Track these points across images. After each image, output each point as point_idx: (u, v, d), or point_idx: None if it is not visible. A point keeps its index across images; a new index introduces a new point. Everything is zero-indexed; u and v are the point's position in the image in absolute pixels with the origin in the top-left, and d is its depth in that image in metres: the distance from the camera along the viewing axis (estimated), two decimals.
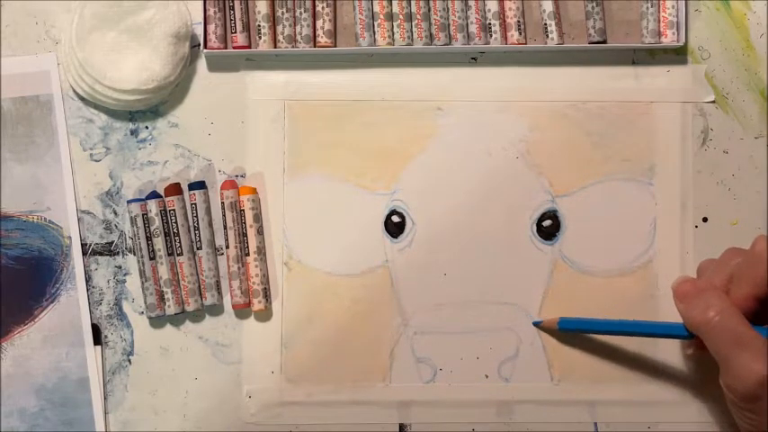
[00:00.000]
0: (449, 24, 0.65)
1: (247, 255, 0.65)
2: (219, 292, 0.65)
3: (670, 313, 0.65)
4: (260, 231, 0.65)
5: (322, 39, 0.65)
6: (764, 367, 0.54)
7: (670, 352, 0.65)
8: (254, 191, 0.65)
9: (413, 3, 0.65)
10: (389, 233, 0.65)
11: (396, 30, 0.65)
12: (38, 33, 0.65)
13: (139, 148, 0.65)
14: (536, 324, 0.65)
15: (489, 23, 0.65)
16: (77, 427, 0.64)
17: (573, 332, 0.64)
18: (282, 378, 0.65)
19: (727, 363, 0.56)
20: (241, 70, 0.66)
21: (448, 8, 0.65)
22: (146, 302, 0.64)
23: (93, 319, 0.65)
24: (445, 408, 0.65)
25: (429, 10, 0.65)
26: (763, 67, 0.66)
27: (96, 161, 0.65)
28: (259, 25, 0.65)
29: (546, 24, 0.65)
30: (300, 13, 0.65)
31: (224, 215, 0.65)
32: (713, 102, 0.66)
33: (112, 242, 0.65)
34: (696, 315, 0.57)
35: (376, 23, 0.65)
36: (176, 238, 0.64)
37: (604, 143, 0.66)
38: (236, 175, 0.65)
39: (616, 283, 0.65)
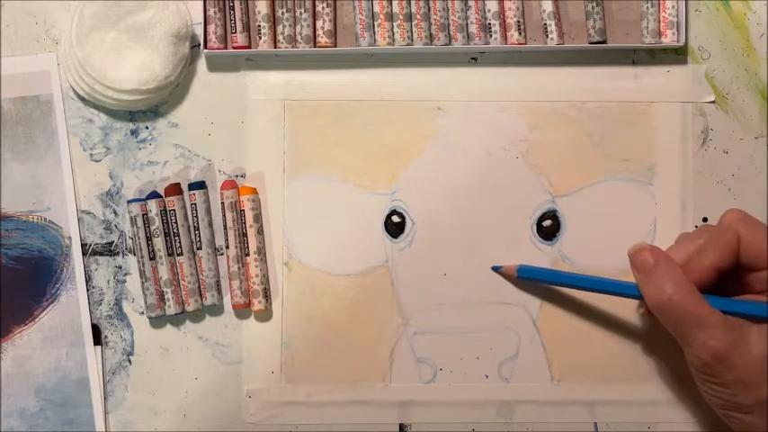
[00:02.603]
0: (449, 24, 0.65)
1: (247, 255, 0.65)
2: (219, 292, 0.65)
3: None
4: (260, 231, 0.65)
5: (322, 39, 0.65)
6: (720, 343, 0.56)
7: (669, 351, 0.65)
8: (254, 191, 0.65)
9: (413, 3, 0.65)
10: (389, 233, 0.65)
11: (396, 30, 0.65)
12: (38, 33, 0.65)
13: (139, 148, 0.65)
14: (495, 269, 0.65)
15: (489, 23, 0.65)
16: (77, 427, 0.64)
17: (532, 281, 0.64)
18: (282, 378, 0.65)
19: (685, 340, 0.57)
20: (241, 70, 0.66)
21: (448, 8, 0.65)
22: (146, 302, 0.64)
23: (93, 319, 0.65)
24: (445, 408, 0.65)
25: (429, 10, 0.65)
26: (763, 67, 0.66)
27: (96, 161, 0.65)
28: (259, 25, 0.65)
29: (546, 24, 0.65)
30: (300, 14, 0.65)
31: (224, 215, 0.65)
32: (713, 102, 0.66)
33: (112, 242, 0.65)
34: (653, 294, 0.58)
35: (376, 23, 0.65)
36: (176, 238, 0.64)
37: (604, 143, 0.66)
38: (236, 175, 0.65)
39: None
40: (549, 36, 0.65)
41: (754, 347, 0.56)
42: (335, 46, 0.65)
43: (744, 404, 0.56)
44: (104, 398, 0.65)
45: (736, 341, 0.56)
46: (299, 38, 0.65)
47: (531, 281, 0.65)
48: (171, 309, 0.64)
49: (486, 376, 0.65)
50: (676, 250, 0.60)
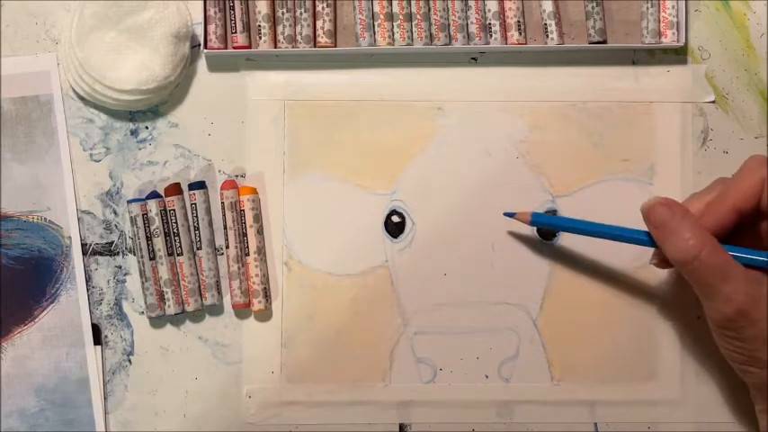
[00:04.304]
0: (449, 24, 0.65)
1: (247, 255, 0.65)
2: (219, 292, 0.65)
3: (671, 311, 0.65)
4: (260, 231, 0.65)
5: (322, 39, 0.65)
6: (745, 297, 0.55)
7: (670, 351, 0.65)
8: (254, 191, 0.65)
9: (413, 3, 0.65)
10: (389, 233, 0.65)
11: (396, 30, 0.65)
12: (38, 33, 0.65)
13: (139, 148, 0.65)
14: (509, 215, 0.64)
15: (489, 23, 0.65)
16: (77, 427, 0.64)
17: (545, 227, 0.64)
18: (282, 378, 0.65)
19: (708, 294, 0.57)
20: (241, 70, 0.66)
21: (448, 8, 0.65)
22: (146, 302, 0.64)
23: (93, 319, 0.65)
24: (445, 408, 0.65)
25: (429, 10, 0.65)
26: (763, 67, 0.66)
27: (96, 161, 0.65)
28: (259, 25, 0.65)
29: (546, 24, 0.65)
30: (300, 14, 0.65)
31: (224, 215, 0.65)
32: (713, 102, 0.66)
33: (112, 242, 0.65)
34: (677, 250, 0.57)
35: (376, 23, 0.65)
36: (176, 238, 0.64)
37: (604, 143, 0.66)
38: (236, 175, 0.65)
39: (616, 283, 0.65)
40: (549, 36, 0.65)
41: None
42: (335, 46, 0.65)
43: (762, 359, 0.56)
44: (104, 398, 0.65)
45: (757, 295, 0.56)
46: (299, 38, 0.65)
47: (545, 226, 0.64)
48: (171, 309, 0.64)
49: (486, 376, 0.65)
50: (692, 203, 0.59)
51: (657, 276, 0.65)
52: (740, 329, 0.56)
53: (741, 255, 0.57)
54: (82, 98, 0.65)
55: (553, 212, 0.66)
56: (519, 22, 0.65)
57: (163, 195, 0.65)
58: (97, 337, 0.65)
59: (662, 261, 0.60)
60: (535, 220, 0.63)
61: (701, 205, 0.59)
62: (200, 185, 0.65)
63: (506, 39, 0.65)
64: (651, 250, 0.61)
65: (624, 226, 0.61)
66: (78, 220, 0.65)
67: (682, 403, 0.65)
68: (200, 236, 0.65)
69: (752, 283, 0.56)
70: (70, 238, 0.65)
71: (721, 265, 0.56)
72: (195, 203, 0.65)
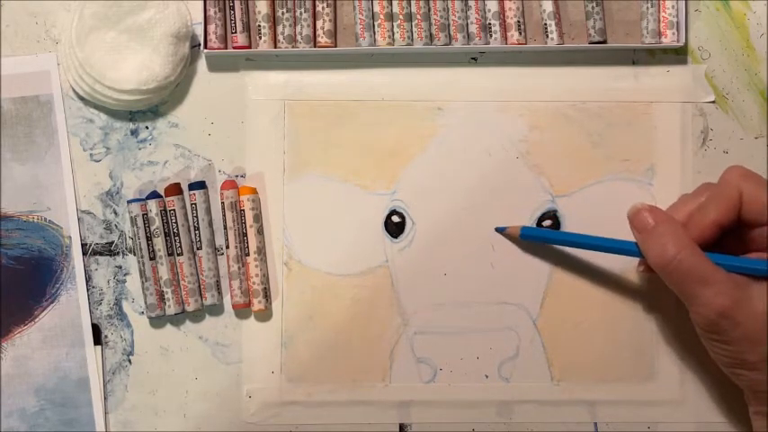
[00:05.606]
0: (449, 24, 0.65)
1: (247, 255, 0.65)
2: (219, 292, 0.65)
3: (671, 311, 0.65)
4: (260, 231, 0.65)
5: (322, 39, 0.65)
6: (726, 300, 0.56)
7: (670, 351, 0.65)
8: (254, 191, 0.65)
9: (413, 3, 0.65)
10: (389, 233, 0.65)
11: (396, 30, 0.65)
12: (38, 33, 0.65)
13: (139, 148, 0.65)
14: (499, 230, 0.65)
15: (489, 23, 0.65)
16: (77, 427, 0.64)
17: (534, 241, 0.65)
18: (282, 378, 0.65)
19: (689, 299, 0.57)
20: (241, 70, 0.66)
21: (448, 8, 0.65)
22: (146, 302, 0.64)
23: (93, 319, 0.65)
24: (445, 408, 0.65)
25: (429, 10, 0.65)
26: (763, 67, 0.66)
27: (96, 161, 0.65)
28: (259, 25, 0.65)
29: (546, 24, 0.65)
30: (300, 14, 0.65)
31: (224, 215, 0.65)
32: (713, 102, 0.66)
33: (112, 242, 0.65)
34: (655, 253, 0.58)
35: (376, 23, 0.65)
36: (176, 238, 0.64)
37: (604, 143, 0.66)
38: (236, 175, 0.65)
39: (616, 283, 0.65)
40: (549, 36, 0.65)
41: (757, 304, 0.56)
42: (335, 46, 0.65)
43: (750, 360, 0.57)
44: (104, 398, 0.65)
45: (740, 298, 0.56)
46: (299, 38, 0.65)
47: (534, 241, 0.65)
48: (171, 309, 0.64)
49: (486, 376, 0.65)
50: (677, 209, 0.60)
51: (658, 276, 0.65)
52: (724, 332, 0.56)
53: (724, 262, 0.57)
54: (82, 98, 0.65)
55: (553, 212, 0.66)
56: (519, 22, 0.65)
57: (163, 195, 0.65)
58: (97, 337, 0.65)
59: (648, 267, 0.60)
60: (525, 233, 0.64)
61: (686, 213, 0.59)
62: (200, 185, 0.65)
63: (506, 39, 0.65)
64: None
65: (613, 238, 0.62)
66: (78, 220, 0.65)
67: (682, 403, 0.65)
68: (200, 236, 0.65)
69: (734, 285, 0.56)
70: (70, 238, 0.65)
71: (700, 268, 0.57)
72: (195, 203, 0.65)
